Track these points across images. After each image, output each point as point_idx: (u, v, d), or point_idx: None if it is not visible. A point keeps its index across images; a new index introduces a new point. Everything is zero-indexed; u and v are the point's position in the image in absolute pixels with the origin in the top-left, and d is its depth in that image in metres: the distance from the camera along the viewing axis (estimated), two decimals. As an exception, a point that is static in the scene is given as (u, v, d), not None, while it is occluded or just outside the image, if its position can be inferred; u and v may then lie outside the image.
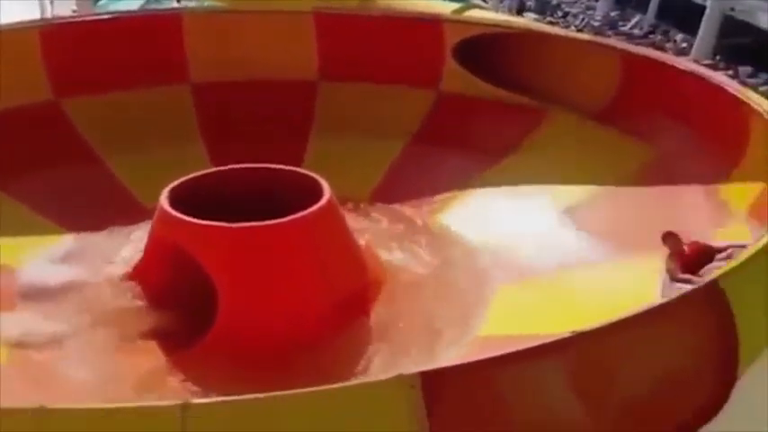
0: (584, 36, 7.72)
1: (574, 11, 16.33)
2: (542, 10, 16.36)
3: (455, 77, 6.13)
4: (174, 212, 4.45)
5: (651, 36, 14.04)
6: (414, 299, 4.61)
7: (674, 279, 4.15)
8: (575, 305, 4.33)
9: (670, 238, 4.27)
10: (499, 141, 5.76)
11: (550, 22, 13.64)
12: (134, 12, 8.79)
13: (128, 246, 4.92)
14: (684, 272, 4.11)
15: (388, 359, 4.15)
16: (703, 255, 4.20)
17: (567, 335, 3.26)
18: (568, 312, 4.17)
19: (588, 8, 16.46)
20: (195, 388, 3.90)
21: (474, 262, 4.90)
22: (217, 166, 5.17)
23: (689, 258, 4.20)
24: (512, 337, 4.00)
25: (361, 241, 4.84)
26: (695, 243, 4.29)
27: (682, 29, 13.65)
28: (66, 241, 5.11)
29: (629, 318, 3.31)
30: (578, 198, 5.29)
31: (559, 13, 16.25)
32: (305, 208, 4.46)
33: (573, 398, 3.24)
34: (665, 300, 3.42)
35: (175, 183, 4.64)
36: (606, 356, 3.34)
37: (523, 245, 4.99)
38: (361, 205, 5.41)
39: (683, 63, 5.86)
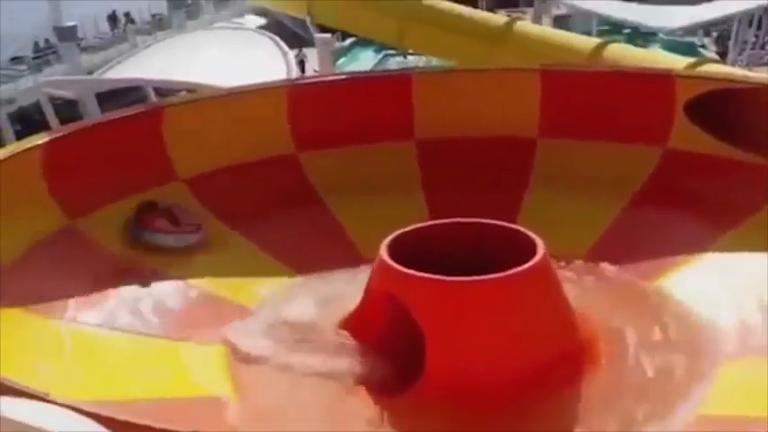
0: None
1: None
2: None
3: (685, 135, 5.86)
4: (391, 263, 4.61)
5: None
6: (628, 369, 4.39)
7: None
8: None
9: None
10: (733, 204, 5.40)
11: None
12: (368, 72, 9.35)
13: (347, 291, 5.15)
14: None
15: (599, 430, 3.98)
16: None
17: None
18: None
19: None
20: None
21: (699, 333, 4.59)
22: (435, 219, 5.30)
23: None
24: (733, 417, 3.69)
25: (575, 303, 4.72)
26: None
27: None
28: (292, 282, 5.42)
29: None
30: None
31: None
32: (516, 265, 4.45)
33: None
34: None
35: (395, 234, 4.81)
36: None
37: (755, 318, 4.61)
38: (576, 266, 5.28)
39: None
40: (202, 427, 3.26)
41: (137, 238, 5.52)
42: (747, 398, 4.02)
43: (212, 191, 5.94)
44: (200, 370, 4.58)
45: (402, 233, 4.85)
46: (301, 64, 13.03)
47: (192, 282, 5.35)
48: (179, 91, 9.53)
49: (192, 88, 9.33)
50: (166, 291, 5.25)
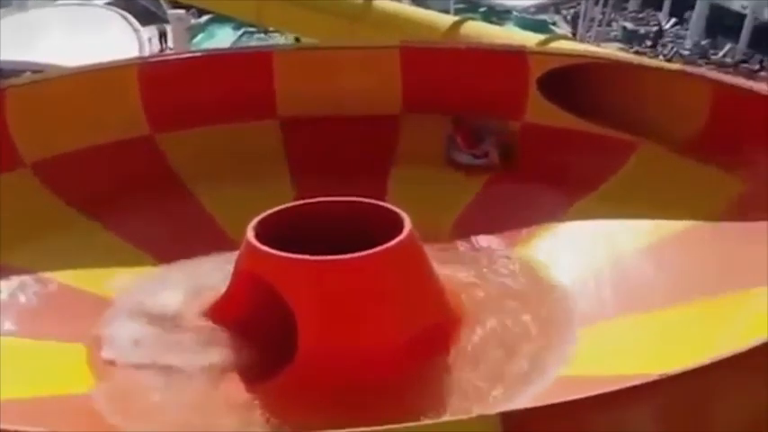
0: (673, 66, 7.55)
1: (662, 40, 16.03)
2: (629, 40, 16.14)
3: (539, 110, 6.08)
4: (258, 245, 4.54)
5: (744, 65, 13.65)
6: (495, 335, 4.55)
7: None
8: (661, 346, 4.19)
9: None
10: (585, 175, 5.66)
11: (637, 52, 13.42)
12: (225, 49, 9.11)
13: (214, 276, 5.04)
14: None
15: (469, 397, 4.11)
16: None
17: (655, 377, 3.16)
18: (655, 354, 4.05)
19: (678, 37, 16.14)
20: (277, 421, 3.95)
21: (557, 300, 4.81)
22: (301, 199, 5.26)
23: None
24: (595, 378, 3.89)
25: (442, 276, 4.82)
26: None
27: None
28: (155, 271, 5.26)
29: (723, 358, 3.19)
30: (667, 235, 5.14)
31: (647, 43, 15.98)
32: (386, 241, 4.48)
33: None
34: (756, 342, 3.27)
35: (261, 216, 4.74)
36: (696, 400, 3.22)
37: (609, 283, 4.87)
38: (442, 239, 5.39)
39: (778, 92, 5.64)
40: (65, 427, 3.10)
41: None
42: (606, 359, 4.25)
43: (62, 176, 5.63)
44: (62, 368, 4.37)
45: (268, 214, 4.78)
46: (163, 36, 12.48)
47: (47, 274, 5.07)
48: (23, 72, 8.96)
49: (36, 69, 8.79)
50: (18, 285, 4.95)
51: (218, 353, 4.41)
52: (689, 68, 7.19)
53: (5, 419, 3.12)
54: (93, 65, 6.32)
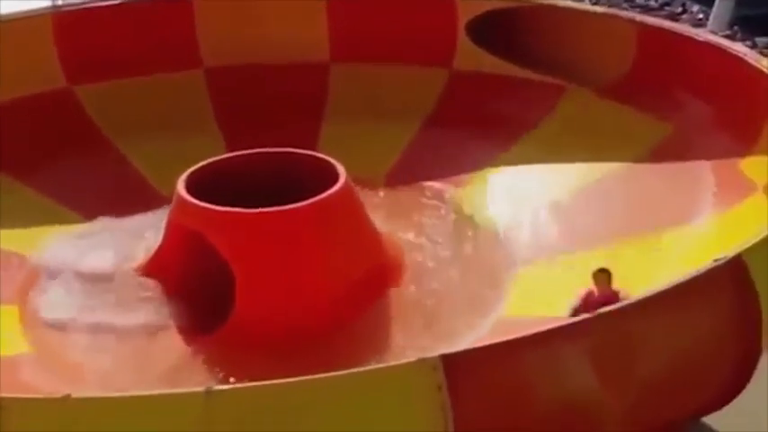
0: (599, 9, 7.61)
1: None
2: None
3: (469, 55, 6.07)
4: (190, 199, 4.45)
5: (667, 8, 13.85)
6: (433, 280, 4.59)
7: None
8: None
9: (600, 275, 3.92)
10: (516, 120, 5.71)
11: (563, -3, 13.49)
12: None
13: (145, 233, 4.93)
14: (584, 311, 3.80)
15: (409, 342, 4.15)
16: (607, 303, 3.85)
17: (587, 316, 3.25)
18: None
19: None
20: (217, 375, 3.92)
21: (494, 242, 4.88)
22: (232, 150, 5.17)
23: (596, 301, 3.85)
24: (534, 318, 3.98)
25: (379, 224, 4.82)
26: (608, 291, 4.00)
27: (698, 0, 13.48)
28: (84, 229, 5.12)
29: (649, 297, 3.29)
30: (597, 176, 5.24)
31: (572, -13, 16.08)
32: (321, 191, 4.45)
33: (594, 378, 3.23)
34: (687, 277, 3.38)
35: (192, 169, 4.64)
36: (627, 336, 3.32)
37: (543, 224, 4.96)
38: (377, 187, 5.38)
39: (701, 34, 5.76)
40: (6, 390, 3.02)
41: None
42: (541, 300, 4.35)
43: None
44: None
45: (200, 167, 4.69)
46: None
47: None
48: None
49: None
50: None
51: (154, 309, 4.35)
52: (614, 11, 7.26)
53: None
54: (5, 14, 6.03)
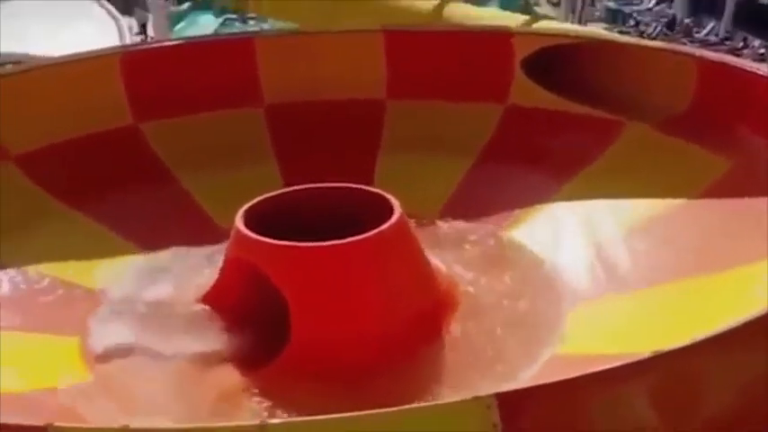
0: (658, 43, 7.55)
1: (646, 19, 16.03)
2: (613, 19, 16.12)
3: (524, 91, 6.07)
4: (247, 232, 4.53)
5: (728, 42, 13.68)
6: (487, 317, 4.56)
7: None
8: (653, 324, 4.22)
9: None
10: (572, 156, 5.67)
11: (621, 32, 13.41)
12: (207, 36, 9.04)
13: (204, 265, 5.02)
14: None
15: (463, 379, 4.13)
16: None
17: (648, 355, 3.19)
18: (647, 331, 4.07)
19: (661, 16, 16.14)
20: (271, 407, 3.95)
21: (548, 280, 4.83)
22: (289, 185, 5.24)
23: None
24: (590, 356, 3.92)
25: (433, 260, 4.83)
26: None
27: (759, 35, 13.26)
28: (144, 260, 5.24)
29: (712, 337, 3.22)
30: (655, 213, 5.16)
31: (631, 22, 15.98)
32: (376, 225, 4.48)
33: (655, 418, 3.16)
34: (750, 317, 3.30)
35: (250, 203, 4.72)
36: (689, 376, 3.25)
37: (599, 262, 4.89)
38: (432, 223, 5.40)
39: (762, 69, 5.67)
40: (60, 419, 3.09)
41: None
42: (598, 337, 4.28)
43: (47, 168, 5.58)
44: (55, 361, 4.35)
45: (257, 202, 4.77)
46: (143, 27, 12.36)
47: (33, 268, 5.04)
48: (3, 64, 8.84)
49: (16, 60, 8.67)
50: (5, 279, 4.92)
51: (211, 340, 4.41)
52: (673, 46, 7.20)
53: (3, 412, 3.10)
54: (75, 54, 6.25)
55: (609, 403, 3.13)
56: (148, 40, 11.07)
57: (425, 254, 4.78)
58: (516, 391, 3.10)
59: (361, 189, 4.91)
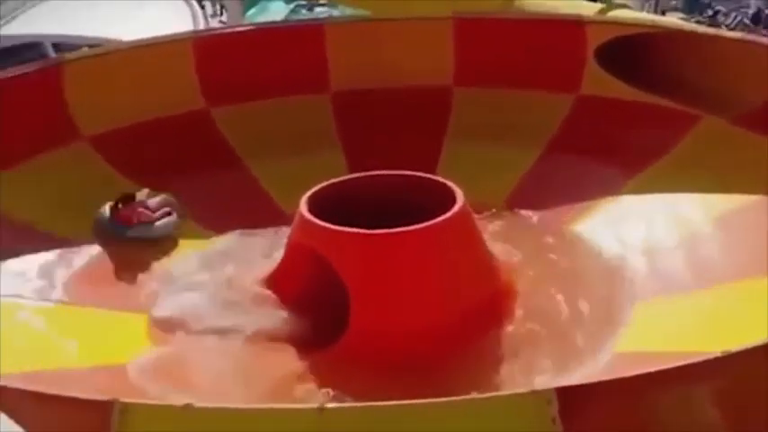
0: (735, 34, 7.30)
1: (724, 9, 15.48)
2: (690, 9, 15.60)
3: (596, 81, 5.94)
4: (310, 218, 4.56)
5: (813, 35, 13.12)
6: (548, 311, 4.50)
7: None
8: (722, 322, 4.10)
9: None
10: (644, 148, 5.53)
11: (698, 22, 12.98)
12: (278, 22, 9.10)
13: (269, 249, 5.08)
14: None
15: (522, 372, 4.08)
16: None
17: (717, 354, 3.09)
18: (715, 330, 3.96)
19: (740, 6, 15.56)
20: (327, 392, 3.98)
21: (614, 274, 4.73)
22: (354, 172, 5.25)
23: None
24: (653, 353, 3.84)
25: (495, 250, 4.78)
26: None
27: None
28: (210, 243, 5.32)
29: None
30: (728, 208, 5.00)
31: (709, 12, 15.46)
32: (439, 215, 4.46)
33: (719, 418, 3.08)
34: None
35: (314, 189, 4.75)
36: (757, 377, 3.15)
37: (668, 257, 4.77)
38: (496, 213, 5.34)
39: None
40: (126, 395, 3.18)
41: (119, 235, 5.18)
42: (663, 335, 4.18)
43: (119, 149, 5.72)
44: (122, 337, 4.48)
45: (321, 188, 4.80)
46: (222, 8, 12.54)
47: (104, 246, 5.18)
48: (80, 47, 9.07)
49: (93, 43, 8.90)
50: (77, 256, 5.06)
51: (272, 322, 4.46)
52: (752, 36, 6.93)
53: (67, 388, 3.21)
54: (149, 39, 6.37)
55: (672, 402, 3.06)
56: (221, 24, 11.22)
57: (486, 244, 4.74)
58: (576, 387, 3.06)
59: (424, 177, 4.89)
